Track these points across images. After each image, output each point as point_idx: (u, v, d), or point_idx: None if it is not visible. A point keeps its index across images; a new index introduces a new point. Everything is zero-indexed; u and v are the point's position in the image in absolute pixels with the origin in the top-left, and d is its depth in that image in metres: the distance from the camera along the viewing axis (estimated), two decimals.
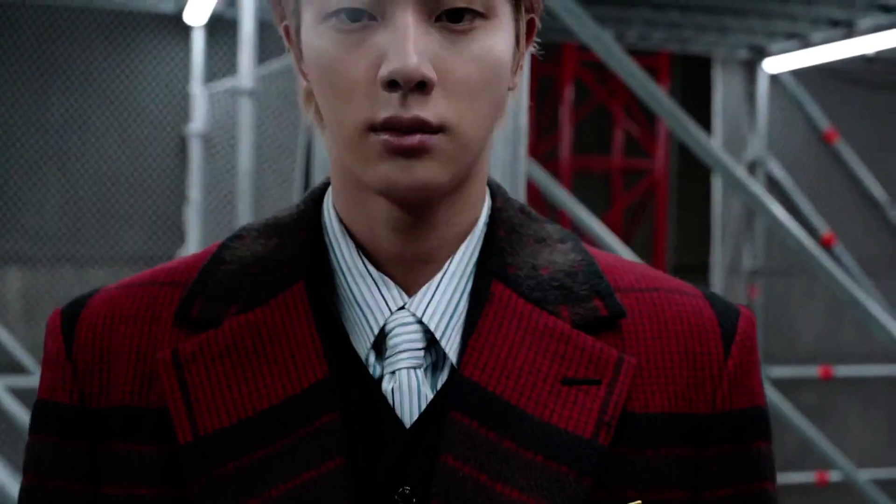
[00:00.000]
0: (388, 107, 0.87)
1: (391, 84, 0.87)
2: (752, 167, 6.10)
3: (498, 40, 0.91)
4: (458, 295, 0.96)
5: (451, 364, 0.94)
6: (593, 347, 0.95)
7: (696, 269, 7.41)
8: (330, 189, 1.02)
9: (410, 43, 0.86)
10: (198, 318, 0.96)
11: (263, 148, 4.80)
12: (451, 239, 0.97)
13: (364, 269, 0.96)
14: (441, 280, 0.96)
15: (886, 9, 4.81)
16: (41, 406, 1.00)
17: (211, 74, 5.48)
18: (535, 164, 3.62)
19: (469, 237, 0.98)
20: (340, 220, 0.99)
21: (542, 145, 7.11)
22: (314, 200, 1.02)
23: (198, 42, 5.36)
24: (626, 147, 7.10)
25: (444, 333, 0.95)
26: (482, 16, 0.89)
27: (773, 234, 4.60)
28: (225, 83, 5.41)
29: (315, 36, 0.90)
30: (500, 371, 0.93)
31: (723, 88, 6.04)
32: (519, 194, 2.55)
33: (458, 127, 0.89)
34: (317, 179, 2.99)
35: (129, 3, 5.34)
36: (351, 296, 0.96)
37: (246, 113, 4.08)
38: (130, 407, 0.96)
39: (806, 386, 6.40)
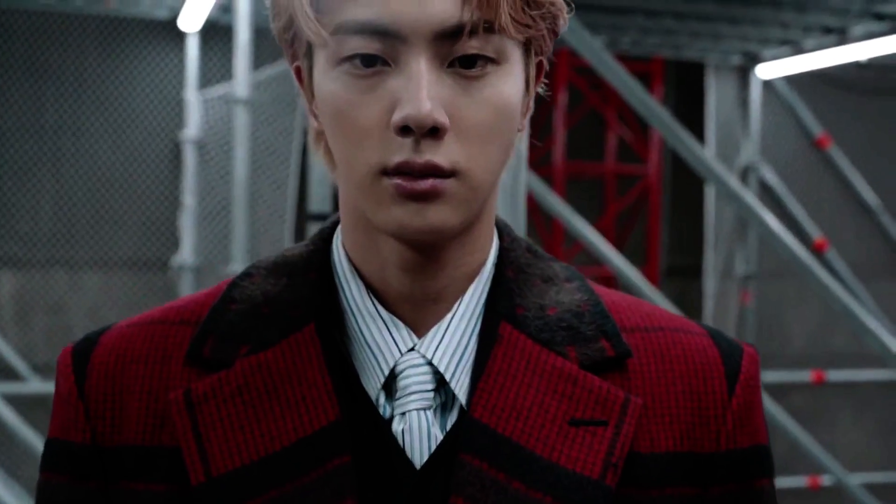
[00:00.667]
0: (401, 151, 0.88)
1: (404, 129, 0.88)
2: (745, 173, 6.12)
3: (509, 85, 0.92)
4: (467, 336, 0.98)
5: (461, 405, 0.95)
6: (600, 388, 0.96)
7: (688, 271, 7.43)
8: (339, 228, 1.03)
9: (424, 90, 0.87)
10: (209, 358, 0.97)
11: (257, 154, 4.80)
12: (460, 279, 0.98)
13: (374, 309, 0.97)
14: (450, 321, 0.97)
15: (880, 17, 4.83)
16: (53, 445, 1.00)
17: (205, 80, 5.47)
18: (530, 172, 3.64)
19: (478, 278, 0.99)
20: (350, 260, 1.00)
21: (535, 151, 7.12)
22: (323, 240, 1.03)
23: (192, 48, 5.36)
24: (620, 152, 7.12)
25: (453, 375, 0.96)
26: (494, 61, 0.90)
27: (766, 240, 4.62)
28: (219, 89, 5.41)
29: (329, 80, 0.91)
30: (510, 412, 0.94)
31: (716, 94, 6.06)
32: (519, 205, 2.57)
33: (470, 171, 0.90)
34: (314, 188, 3.00)
35: (123, 9, 5.34)
36: (361, 337, 0.97)
37: (241, 121, 4.08)
38: (143, 446, 0.97)
39: (798, 390, 6.42)
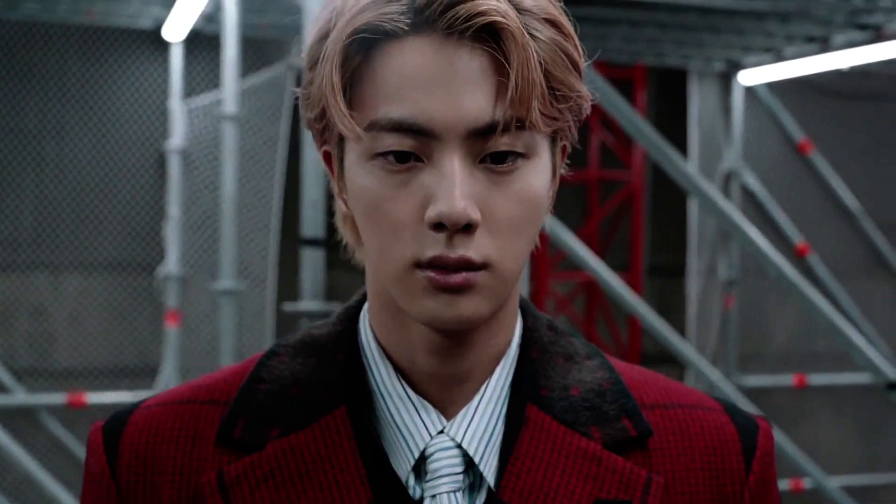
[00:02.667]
0: (435, 246, 0.90)
1: (438, 225, 0.90)
2: (728, 179, 6.15)
3: (538, 177, 0.94)
4: (494, 418, 0.99)
5: (489, 486, 0.97)
6: (623, 468, 0.98)
7: (671, 271, 7.46)
8: (366, 309, 1.04)
9: (458, 187, 0.89)
10: (240, 440, 0.98)
11: (242, 164, 4.79)
12: (486, 360, 1.00)
13: (403, 392, 0.99)
14: (478, 404, 0.99)
15: (863, 27, 4.87)
16: None
17: (190, 90, 5.46)
18: None
19: (503, 359, 1.01)
20: (377, 341, 1.01)
21: None
22: (350, 320, 1.05)
23: (176, 58, 5.34)
24: (603, 158, 7.14)
25: (482, 457, 0.98)
26: (523, 156, 0.92)
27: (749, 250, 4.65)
28: (204, 99, 5.40)
29: (362, 173, 0.93)
30: (537, 494, 0.96)
31: (699, 100, 6.09)
32: None
33: (500, 263, 0.92)
34: (306, 212, 3.01)
35: (107, 18, 5.31)
36: (391, 419, 0.99)
37: (230, 137, 4.07)
38: None
39: (780, 392, 6.47)
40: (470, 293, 0.91)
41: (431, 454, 0.97)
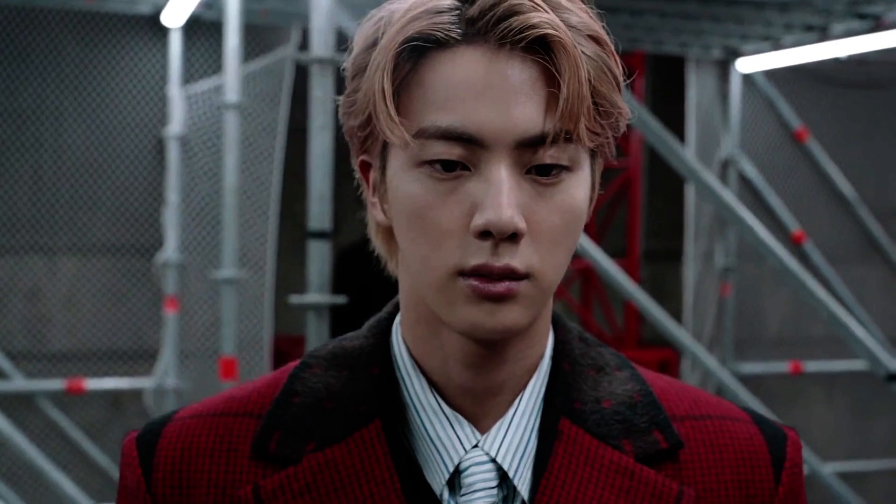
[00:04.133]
0: (480, 254, 0.91)
1: (484, 234, 0.91)
2: (725, 166, 6.16)
3: (580, 190, 0.95)
4: (528, 432, 1.00)
5: (523, 500, 0.99)
6: (655, 481, 1.00)
7: (667, 255, 7.48)
8: (398, 321, 1.05)
9: (505, 196, 0.90)
10: (276, 454, 0.99)
11: (240, 151, 4.78)
12: (520, 373, 1.01)
13: (437, 406, 1.00)
14: (513, 418, 1.00)
15: (862, 16, 4.87)
16: None
17: (188, 76, 5.44)
18: None
19: (536, 372, 1.02)
20: (411, 354, 1.02)
21: None
22: (382, 332, 1.05)
23: (175, 44, 5.33)
24: None
25: (516, 471, 0.99)
26: (567, 168, 0.94)
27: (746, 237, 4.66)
28: (202, 85, 5.39)
29: (407, 181, 0.94)
30: None
31: (696, 88, 6.08)
32: None
33: (542, 273, 0.93)
34: (313, 205, 3.00)
35: (106, 3, 5.29)
36: (425, 432, 0.99)
37: (231, 126, 4.06)
38: None
39: (775, 379, 6.49)
40: (511, 302, 0.92)
41: (466, 468, 0.98)
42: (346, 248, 6.79)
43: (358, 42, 0.98)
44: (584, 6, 0.95)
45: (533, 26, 0.90)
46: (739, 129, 6.22)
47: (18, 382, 5.30)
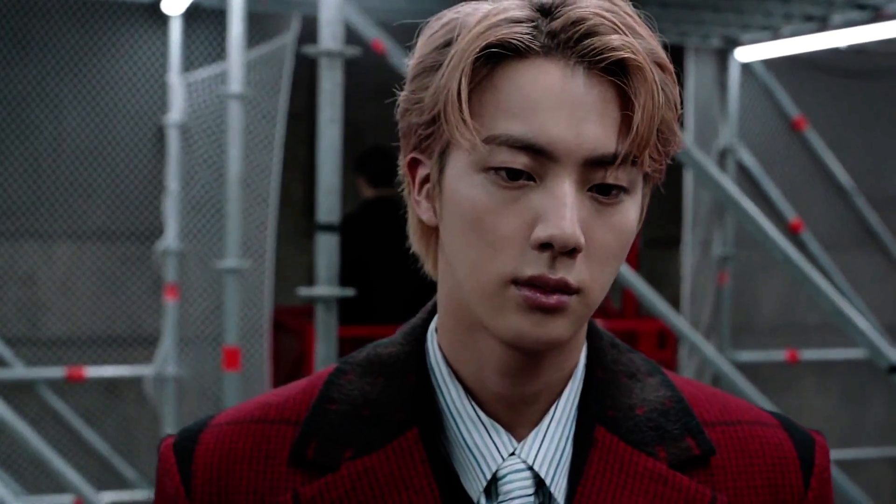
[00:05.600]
0: (537, 265, 0.92)
1: (544, 246, 0.92)
2: (723, 155, 6.17)
3: (633, 212, 0.97)
4: (563, 440, 1.02)
5: None
6: (689, 487, 1.01)
7: (667, 243, 7.49)
8: (433, 328, 1.06)
9: (570, 211, 0.91)
10: (314, 461, 1.00)
11: (243, 140, 4.77)
12: (555, 382, 1.02)
13: (474, 414, 1.01)
14: (549, 426, 1.01)
15: (862, 7, 4.88)
16: None
17: (188, 64, 5.43)
18: None
19: (571, 380, 1.03)
20: (447, 361, 1.03)
21: None
22: (417, 339, 1.06)
23: (175, 31, 5.31)
24: None
25: (552, 479, 1.00)
26: (626, 190, 0.95)
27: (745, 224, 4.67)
28: (203, 72, 5.37)
29: (469, 185, 0.94)
30: None
31: (695, 77, 6.09)
32: None
33: (591, 290, 0.95)
34: (322, 198, 3.00)
35: None
36: (462, 440, 1.01)
37: (235, 117, 4.05)
38: None
39: (770, 366, 6.52)
40: (559, 315, 0.94)
41: (504, 476, 1.00)
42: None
43: (425, 41, 0.98)
44: (650, 31, 0.96)
45: (615, 49, 0.91)
46: (738, 118, 6.23)
47: (18, 370, 5.30)
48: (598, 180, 0.93)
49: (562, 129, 0.91)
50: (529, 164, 0.92)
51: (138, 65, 5.49)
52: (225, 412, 1.07)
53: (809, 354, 6.47)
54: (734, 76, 6.17)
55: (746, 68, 6.23)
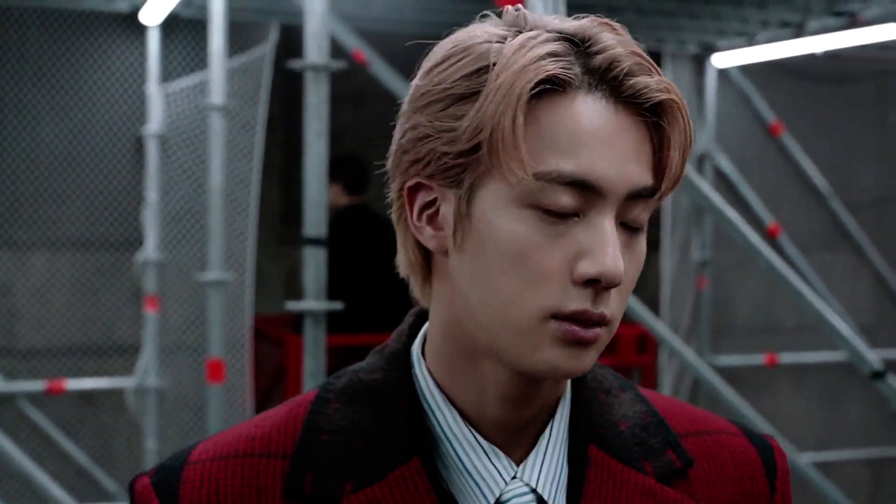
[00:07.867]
0: (580, 300, 0.93)
1: (590, 281, 0.93)
2: (701, 160, 6.20)
3: (645, 242, 0.99)
4: (560, 460, 1.03)
5: None
6: (675, 500, 1.03)
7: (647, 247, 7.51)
8: (417, 353, 1.05)
9: (614, 247, 0.92)
10: (312, 495, 0.98)
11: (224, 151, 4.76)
12: (550, 404, 1.03)
13: (472, 438, 1.00)
14: (547, 447, 1.02)
15: (838, 13, 4.92)
16: None
17: (167, 74, 5.41)
18: None
19: (562, 400, 1.04)
20: (439, 387, 1.02)
21: None
22: (403, 365, 1.04)
23: (153, 42, 5.29)
24: None
25: (554, 499, 1.01)
26: (643, 224, 0.99)
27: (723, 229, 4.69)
28: (181, 83, 5.36)
29: (510, 219, 0.93)
30: None
31: (672, 82, 6.11)
32: None
33: (615, 321, 0.97)
34: (309, 212, 3.00)
35: (83, 2, 5.25)
36: (461, 465, 1.00)
37: (216, 128, 4.04)
38: None
39: (749, 369, 6.55)
40: (591, 347, 0.95)
41: (507, 500, 1.00)
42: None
43: (449, 66, 0.96)
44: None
45: (659, 90, 0.93)
46: (715, 124, 6.26)
47: None
48: (633, 214, 0.95)
49: (609, 166, 0.92)
50: (577, 200, 0.93)
51: (116, 75, 5.46)
52: (202, 446, 1.03)
53: (787, 358, 6.51)
54: (711, 82, 6.21)
55: (723, 74, 6.26)
